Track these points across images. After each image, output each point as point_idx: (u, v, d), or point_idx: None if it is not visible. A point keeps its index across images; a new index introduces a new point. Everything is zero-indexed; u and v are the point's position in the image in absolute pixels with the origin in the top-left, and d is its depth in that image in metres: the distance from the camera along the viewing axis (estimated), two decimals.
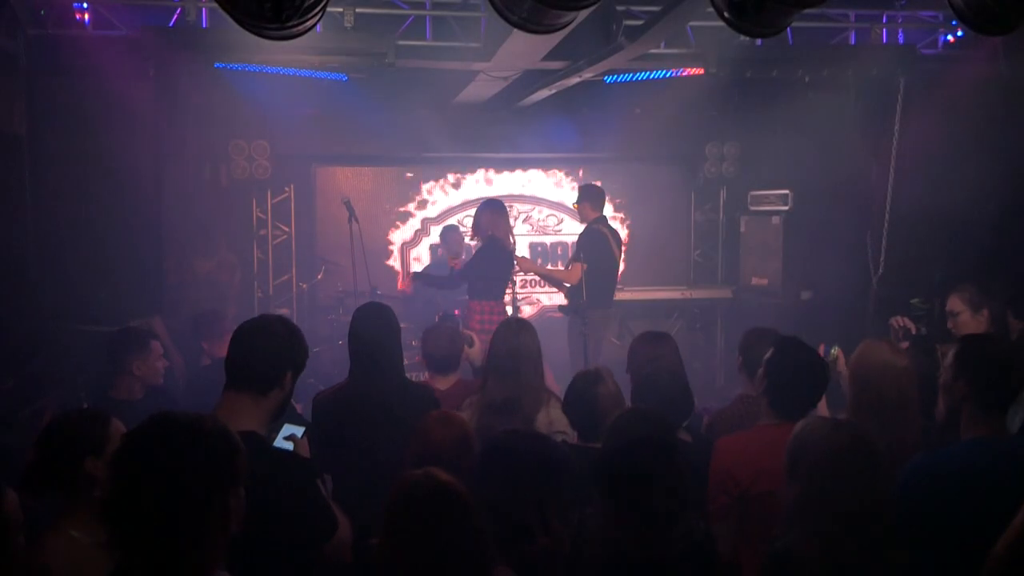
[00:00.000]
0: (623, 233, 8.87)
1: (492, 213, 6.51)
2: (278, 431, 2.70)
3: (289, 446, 2.67)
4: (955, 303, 4.45)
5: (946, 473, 2.62)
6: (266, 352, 2.59)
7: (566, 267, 7.04)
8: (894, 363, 3.16)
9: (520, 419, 3.55)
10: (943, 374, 2.82)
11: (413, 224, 8.87)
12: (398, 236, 8.84)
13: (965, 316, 4.37)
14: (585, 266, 6.31)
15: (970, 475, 2.59)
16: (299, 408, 4.06)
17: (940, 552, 2.52)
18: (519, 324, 4.08)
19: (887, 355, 3.20)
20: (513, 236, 6.72)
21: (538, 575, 2.34)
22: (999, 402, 2.70)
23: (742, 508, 2.94)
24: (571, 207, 7.75)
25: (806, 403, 3.08)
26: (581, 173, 9.09)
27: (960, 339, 2.95)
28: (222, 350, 2.71)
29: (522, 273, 7.34)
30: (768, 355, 3.20)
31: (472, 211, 8.90)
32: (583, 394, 3.32)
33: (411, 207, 8.86)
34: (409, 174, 8.78)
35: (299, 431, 2.74)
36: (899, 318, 4.51)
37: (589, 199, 6.83)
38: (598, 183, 7.38)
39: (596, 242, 6.56)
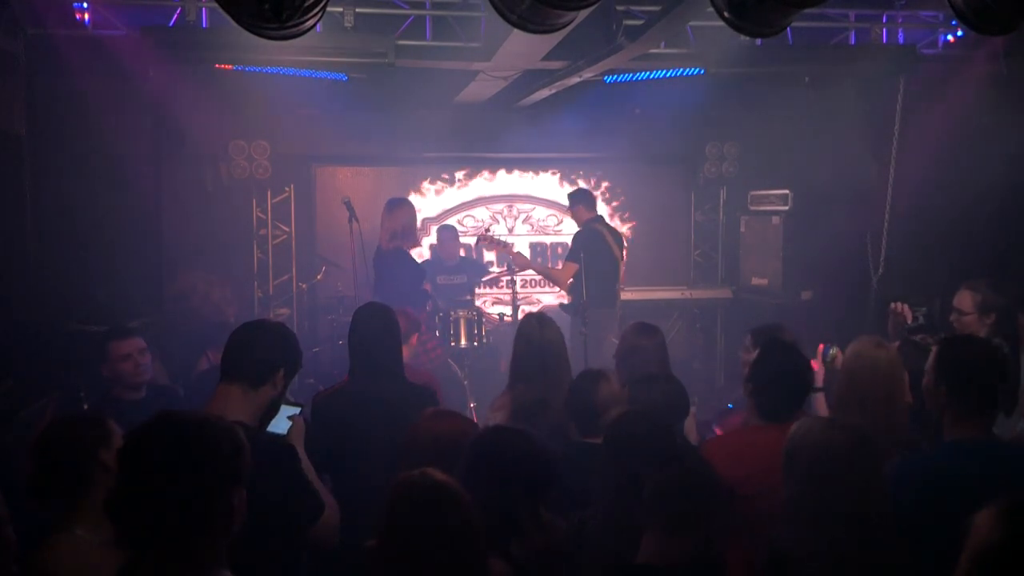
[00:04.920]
0: (623, 232, 8.88)
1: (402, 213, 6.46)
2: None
3: (286, 426, 2.73)
4: (965, 301, 4.28)
5: (927, 476, 2.63)
6: (259, 347, 2.66)
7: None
8: (878, 357, 3.17)
9: (551, 419, 3.54)
10: (925, 377, 2.82)
11: None
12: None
13: (971, 319, 4.23)
14: (577, 266, 6.30)
15: (951, 477, 2.60)
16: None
17: (922, 554, 2.51)
18: (540, 321, 4.04)
19: (872, 350, 3.20)
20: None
21: (534, 569, 2.35)
22: (980, 404, 2.70)
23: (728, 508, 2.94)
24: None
25: (791, 405, 3.10)
26: (581, 173, 9.10)
27: (940, 342, 2.94)
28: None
29: (519, 270, 7.35)
30: (752, 358, 3.22)
31: (473, 211, 8.99)
32: (583, 391, 3.33)
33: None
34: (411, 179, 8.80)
35: (295, 411, 2.82)
36: (898, 303, 4.45)
37: (581, 202, 6.86)
38: (586, 185, 7.42)
39: (592, 241, 6.54)
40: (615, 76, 7.04)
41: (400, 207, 6.67)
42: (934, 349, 2.86)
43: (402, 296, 6.04)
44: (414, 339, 4.93)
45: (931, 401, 2.78)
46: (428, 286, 6.76)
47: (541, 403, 3.62)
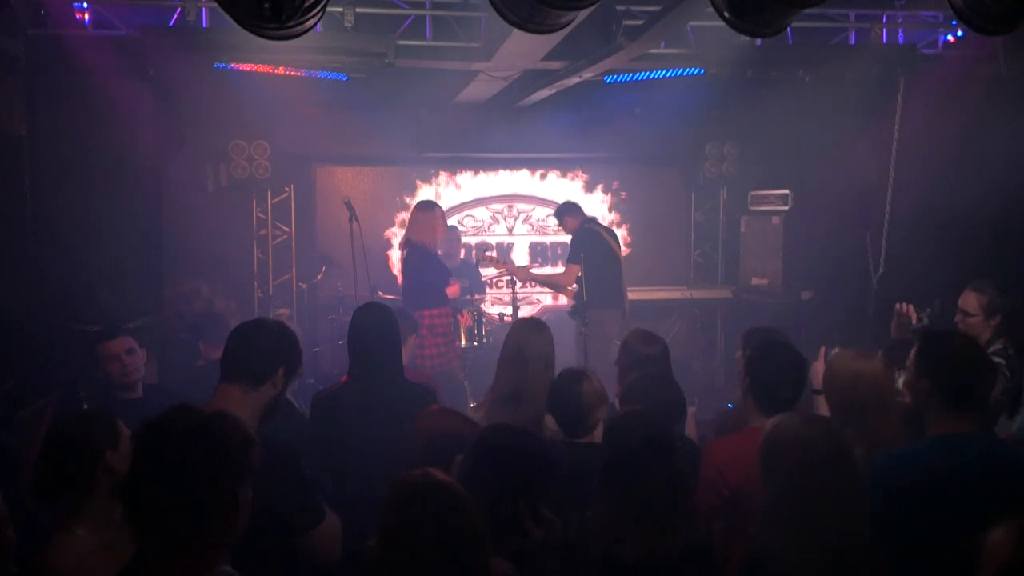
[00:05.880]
0: (622, 233, 8.88)
1: (425, 215, 6.41)
2: None
3: None
4: (971, 303, 4.26)
5: (909, 471, 2.63)
6: (259, 346, 2.66)
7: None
8: (863, 369, 3.15)
9: (526, 411, 3.54)
10: (907, 372, 2.81)
11: None
12: (398, 236, 8.84)
13: (976, 320, 4.22)
14: (579, 267, 6.29)
15: (931, 473, 2.60)
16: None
17: (904, 550, 2.51)
18: (532, 323, 4.05)
19: (855, 363, 3.18)
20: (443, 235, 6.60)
21: (535, 568, 2.35)
22: (961, 399, 2.69)
23: (731, 508, 2.95)
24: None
25: (790, 399, 3.10)
26: (580, 173, 9.11)
27: (921, 337, 2.93)
28: (219, 352, 2.73)
29: (523, 284, 7.32)
30: (748, 354, 3.23)
31: (473, 211, 9.00)
32: (566, 392, 3.30)
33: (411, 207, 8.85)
34: (416, 178, 8.80)
35: None
36: (903, 304, 4.44)
37: (567, 213, 6.90)
38: (585, 185, 7.42)
39: (590, 240, 6.54)
40: (615, 76, 7.04)
41: (436, 208, 6.58)
42: (916, 344, 2.84)
43: (432, 287, 6.09)
44: (411, 341, 4.92)
45: (913, 395, 2.78)
46: (456, 289, 6.49)
47: (515, 394, 3.62)
